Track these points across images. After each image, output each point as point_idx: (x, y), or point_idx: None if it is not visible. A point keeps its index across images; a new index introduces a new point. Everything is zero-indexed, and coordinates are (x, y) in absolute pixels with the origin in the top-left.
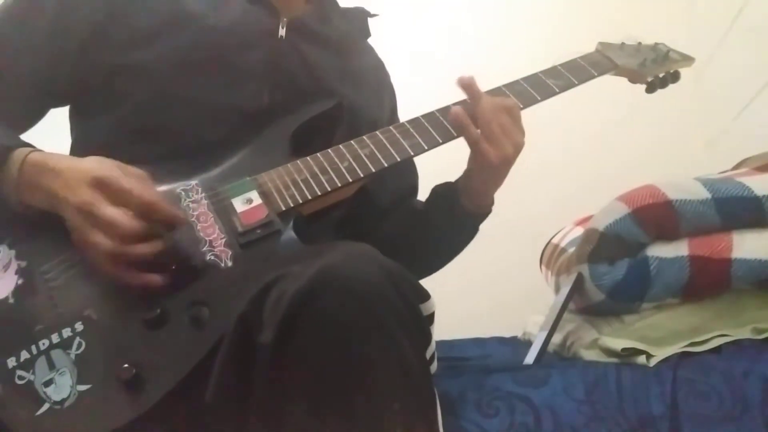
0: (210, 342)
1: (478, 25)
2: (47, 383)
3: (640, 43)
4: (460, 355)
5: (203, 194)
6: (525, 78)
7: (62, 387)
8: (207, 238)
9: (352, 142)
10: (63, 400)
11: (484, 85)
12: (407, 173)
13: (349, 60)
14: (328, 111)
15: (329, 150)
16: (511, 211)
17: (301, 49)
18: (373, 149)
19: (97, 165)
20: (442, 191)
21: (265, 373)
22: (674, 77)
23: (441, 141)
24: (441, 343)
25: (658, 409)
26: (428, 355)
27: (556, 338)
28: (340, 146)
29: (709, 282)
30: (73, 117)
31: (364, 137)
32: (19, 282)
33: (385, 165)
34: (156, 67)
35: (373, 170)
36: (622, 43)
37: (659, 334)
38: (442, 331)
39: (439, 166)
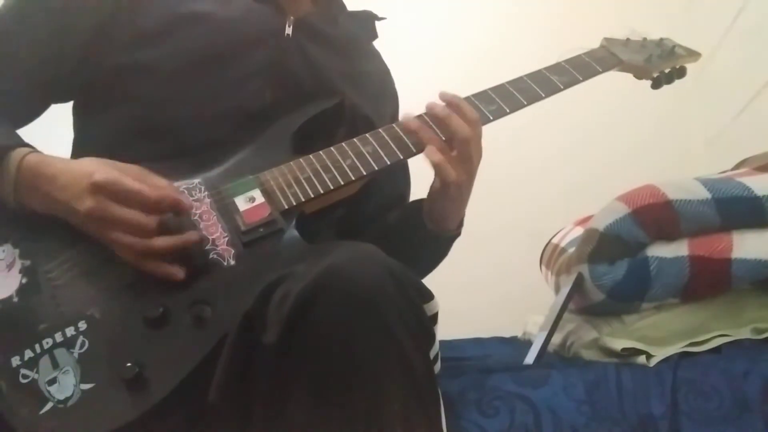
0: (212, 341)
1: (483, 23)
2: (51, 382)
3: (645, 39)
4: (460, 355)
5: (206, 193)
6: (529, 74)
7: (66, 386)
8: (210, 237)
9: (354, 139)
10: (66, 399)
11: (487, 83)
12: (398, 181)
13: (353, 62)
14: (329, 110)
15: (332, 148)
16: (512, 211)
17: (306, 49)
18: (375, 146)
19: (95, 168)
20: (410, 210)
21: (269, 372)
22: (680, 73)
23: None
24: (441, 343)
25: (658, 409)
26: (432, 355)
27: (556, 338)
28: (343, 144)
29: (709, 282)
30: (77, 113)
31: (366, 135)
32: (23, 281)
33: (389, 163)
34: (160, 66)
35: (376, 168)
36: (627, 39)
37: (659, 334)
38: (442, 330)
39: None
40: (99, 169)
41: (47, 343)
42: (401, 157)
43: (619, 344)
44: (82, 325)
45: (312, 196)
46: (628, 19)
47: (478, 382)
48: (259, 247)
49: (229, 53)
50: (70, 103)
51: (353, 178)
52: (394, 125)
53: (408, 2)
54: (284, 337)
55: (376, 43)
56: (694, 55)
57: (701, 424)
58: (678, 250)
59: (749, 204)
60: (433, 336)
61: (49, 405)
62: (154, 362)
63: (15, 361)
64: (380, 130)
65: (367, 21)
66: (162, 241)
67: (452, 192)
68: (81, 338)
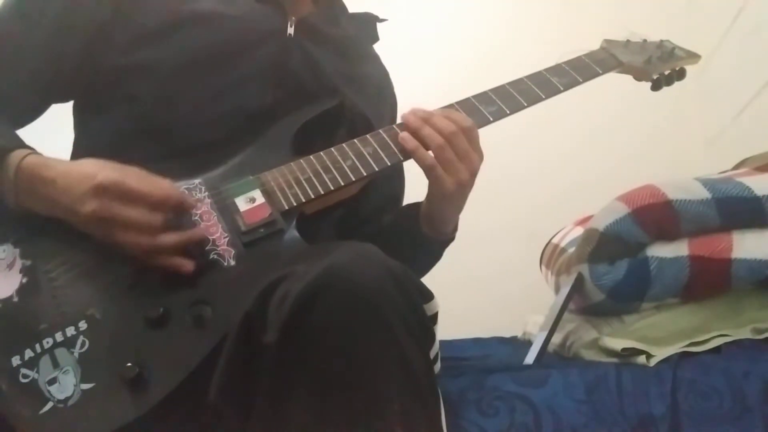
0: (212, 341)
1: (483, 24)
2: (51, 382)
3: (645, 41)
4: (460, 354)
5: (206, 193)
6: (529, 76)
7: (66, 385)
8: (210, 237)
9: (354, 140)
10: (66, 399)
11: (488, 84)
12: (394, 183)
13: (353, 64)
14: (330, 110)
15: (332, 149)
16: (511, 211)
17: (307, 49)
18: (376, 148)
19: (97, 170)
20: (406, 213)
21: (269, 372)
22: (680, 74)
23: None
24: (441, 343)
25: (658, 409)
26: (432, 355)
27: (556, 338)
28: (343, 145)
29: (709, 282)
30: (77, 113)
31: (367, 136)
32: (24, 281)
33: (389, 164)
34: (162, 66)
35: (377, 169)
36: (627, 41)
37: (659, 334)
38: (442, 330)
39: None
40: (101, 171)
41: (47, 342)
42: (401, 159)
43: (619, 344)
44: (83, 325)
45: (312, 196)
46: (628, 21)
47: (478, 382)
48: (260, 247)
49: (231, 53)
50: (70, 103)
51: (353, 179)
52: (394, 126)
53: (408, 4)
54: (284, 337)
55: (377, 44)
56: (693, 57)
57: (701, 424)
58: (678, 250)
59: (749, 204)
60: (433, 336)
61: (49, 405)
62: (154, 362)
63: (15, 360)
64: (380, 131)
65: (368, 23)
66: (169, 238)
67: (447, 197)
68: (81, 338)
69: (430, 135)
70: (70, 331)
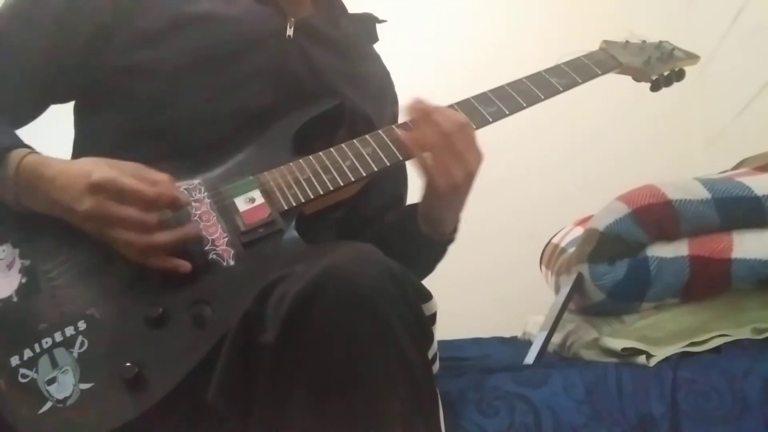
0: (212, 341)
1: (482, 25)
2: (50, 381)
3: (644, 41)
4: (460, 354)
5: (206, 193)
6: (528, 77)
7: (65, 385)
8: (209, 237)
9: (354, 141)
10: (65, 399)
11: (487, 84)
12: (397, 182)
13: (353, 64)
14: (330, 111)
15: (331, 149)
16: (512, 211)
17: (307, 50)
18: (375, 148)
19: (92, 168)
20: (407, 213)
21: (267, 372)
22: (679, 75)
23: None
24: (441, 343)
25: (658, 409)
26: (430, 355)
27: (556, 338)
28: (343, 145)
29: (709, 282)
30: (78, 113)
31: (366, 136)
32: (23, 280)
33: (388, 164)
34: (161, 67)
35: (376, 169)
36: (626, 42)
37: (659, 334)
38: (442, 330)
39: None
40: (96, 168)
41: (47, 342)
42: (400, 159)
43: (619, 344)
44: (82, 325)
45: (312, 197)
46: (627, 20)
47: (478, 382)
48: (259, 247)
49: (230, 54)
50: (70, 103)
51: (352, 180)
52: (393, 127)
53: (408, 4)
54: (283, 337)
55: (377, 45)
56: (693, 58)
57: (701, 424)
58: (678, 250)
59: (749, 204)
60: (431, 336)
61: (49, 404)
62: (153, 362)
63: (14, 360)
64: (380, 131)
65: (368, 24)
66: (163, 236)
67: (441, 198)
68: (80, 338)
69: (428, 135)
70: (70, 330)
